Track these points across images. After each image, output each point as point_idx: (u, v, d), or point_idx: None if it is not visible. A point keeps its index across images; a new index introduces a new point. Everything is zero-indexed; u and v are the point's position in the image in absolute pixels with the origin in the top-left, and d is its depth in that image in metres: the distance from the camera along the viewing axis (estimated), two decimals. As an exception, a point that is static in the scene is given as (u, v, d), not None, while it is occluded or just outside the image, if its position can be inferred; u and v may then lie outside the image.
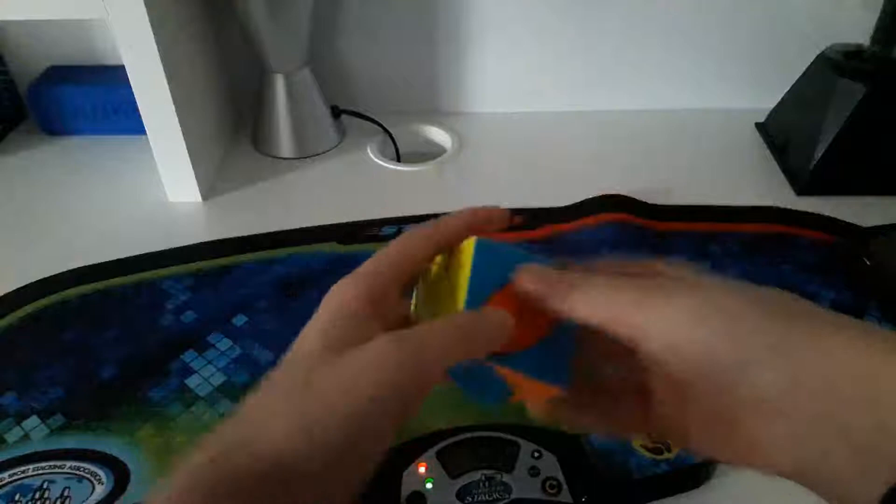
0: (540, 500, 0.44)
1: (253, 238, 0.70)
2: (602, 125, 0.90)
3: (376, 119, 0.88)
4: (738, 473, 0.47)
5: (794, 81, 0.81)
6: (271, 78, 0.81)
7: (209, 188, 0.78)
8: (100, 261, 0.67)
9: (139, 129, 0.72)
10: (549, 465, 0.46)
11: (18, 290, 0.64)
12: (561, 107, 0.93)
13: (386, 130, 0.87)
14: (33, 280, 0.65)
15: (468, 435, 0.48)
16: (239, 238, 0.70)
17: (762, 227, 0.71)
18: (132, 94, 0.68)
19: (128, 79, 0.68)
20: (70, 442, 0.50)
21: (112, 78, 0.86)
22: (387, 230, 0.71)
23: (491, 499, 0.44)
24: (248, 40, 0.79)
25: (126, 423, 0.51)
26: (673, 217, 0.72)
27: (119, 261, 0.67)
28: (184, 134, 0.71)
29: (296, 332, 0.65)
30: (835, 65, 0.74)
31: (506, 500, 0.44)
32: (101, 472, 0.48)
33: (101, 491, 0.47)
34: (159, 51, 0.66)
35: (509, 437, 0.48)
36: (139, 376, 0.55)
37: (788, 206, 0.74)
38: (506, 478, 0.45)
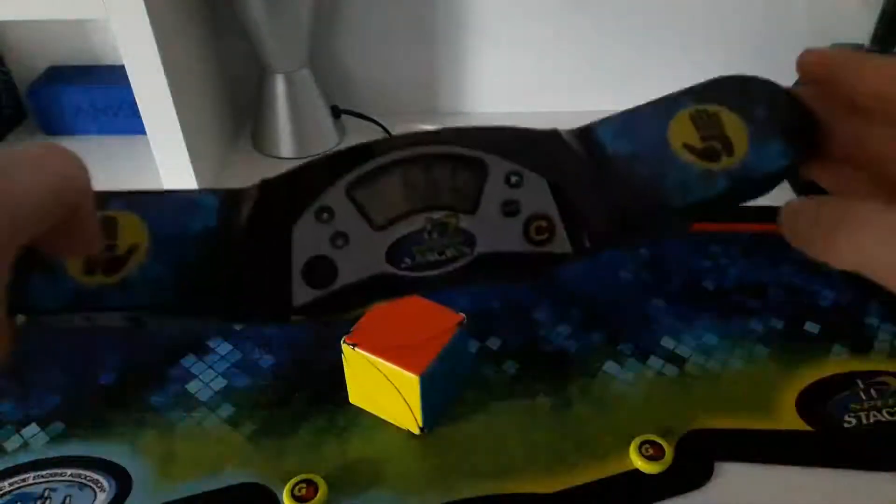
0: (520, 254, 0.27)
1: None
2: (602, 125, 0.90)
3: (376, 119, 0.88)
4: (739, 474, 0.48)
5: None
6: (271, 78, 0.81)
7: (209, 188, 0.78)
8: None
9: (139, 129, 0.72)
10: (535, 194, 0.28)
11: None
12: (561, 107, 0.93)
13: (386, 130, 0.87)
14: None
15: (398, 155, 0.27)
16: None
17: (762, 227, 0.71)
18: (132, 94, 0.68)
19: (128, 79, 0.67)
20: (70, 449, 0.50)
21: (112, 78, 0.86)
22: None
23: (442, 258, 0.27)
24: (248, 40, 0.79)
25: (127, 430, 0.51)
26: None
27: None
28: (184, 134, 0.71)
29: (295, 335, 0.64)
30: (836, 65, 0.73)
31: (466, 258, 0.27)
32: (102, 479, 0.48)
33: (103, 498, 0.47)
34: (159, 51, 0.65)
35: (470, 153, 0.27)
36: (139, 382, 0.55)
37: (789, 207, 0.73)
38: (465, 222, 0.27)
